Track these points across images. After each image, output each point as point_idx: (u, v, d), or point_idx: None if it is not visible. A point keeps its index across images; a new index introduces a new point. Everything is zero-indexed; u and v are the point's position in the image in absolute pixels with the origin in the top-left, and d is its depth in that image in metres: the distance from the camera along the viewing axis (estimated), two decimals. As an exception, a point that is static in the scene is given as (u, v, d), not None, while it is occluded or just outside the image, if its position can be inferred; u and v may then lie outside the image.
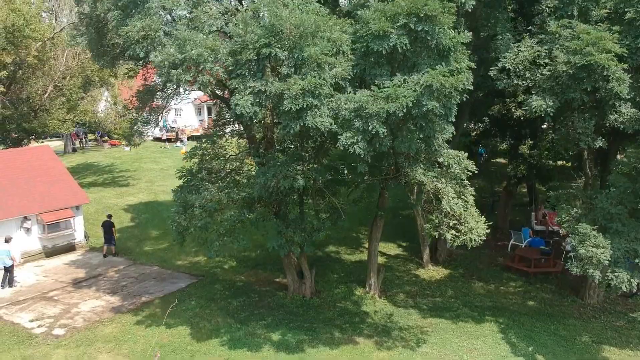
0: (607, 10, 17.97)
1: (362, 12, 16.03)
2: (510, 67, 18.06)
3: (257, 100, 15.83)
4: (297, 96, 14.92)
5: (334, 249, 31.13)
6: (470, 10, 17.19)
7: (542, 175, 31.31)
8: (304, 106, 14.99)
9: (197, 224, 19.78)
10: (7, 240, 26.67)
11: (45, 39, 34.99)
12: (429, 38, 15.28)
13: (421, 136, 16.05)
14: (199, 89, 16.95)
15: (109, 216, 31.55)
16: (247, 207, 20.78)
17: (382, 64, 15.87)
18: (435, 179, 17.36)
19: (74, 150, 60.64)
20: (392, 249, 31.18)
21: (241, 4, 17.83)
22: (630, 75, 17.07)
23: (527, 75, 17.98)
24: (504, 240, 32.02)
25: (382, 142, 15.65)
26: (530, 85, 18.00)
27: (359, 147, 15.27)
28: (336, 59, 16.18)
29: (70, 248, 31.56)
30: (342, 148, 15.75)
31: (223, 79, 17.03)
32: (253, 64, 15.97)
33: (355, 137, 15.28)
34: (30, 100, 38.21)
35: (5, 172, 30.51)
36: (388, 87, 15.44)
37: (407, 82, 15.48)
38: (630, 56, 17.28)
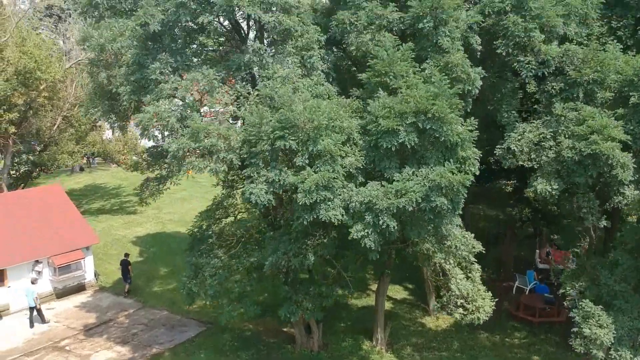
0: (612, 94, 18.29)
1: (372, 106, 16.40)
2: (515, 149, 18.41)
3: (271, 189, 16.23)
4: (310, 190, 15.31)
5: (340, 292, 31.54)
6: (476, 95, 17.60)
7: (547, 219, 31.60)
8: (317, 200, 15.39)
9: (208, 292, 20.25)
10: (33, 282, 27.57)
11: (56, 80, 35.40)
12: (437, 135, 15.65)
13: (430, 226, 16.44)
14: (211, 174, 17.37)
15: (126, 255, 32.16)
16: (257, 271, 21.24)
17: (391, 156, 16.26)
18: (443, 260, 17.78)
19: (82, 169, 61.13)
20: (398, 292, 31.59)
21: (253, 88, 18.19)
22: (634, 160, 17.40)
23: (532, 157, 18.33)
24: (508, 279, 32.40)
25: (392, 232, 16.05)
26: (535, 166, 18.35)
27: (370, 240, 15.68)
28: (348, 147, 16.59)
29: (80, 288, 32.10)
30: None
31: (236, 166, 17.43)
32: (267, 153, 16.36)
33: (366, 230, 15.69)
34: (40, 134, 38.69)
35: (17, 214, 31.01)
36: (397, 180, 15.83)
37: (416, 175, 15.87)
38: (635, 141, 17.61)
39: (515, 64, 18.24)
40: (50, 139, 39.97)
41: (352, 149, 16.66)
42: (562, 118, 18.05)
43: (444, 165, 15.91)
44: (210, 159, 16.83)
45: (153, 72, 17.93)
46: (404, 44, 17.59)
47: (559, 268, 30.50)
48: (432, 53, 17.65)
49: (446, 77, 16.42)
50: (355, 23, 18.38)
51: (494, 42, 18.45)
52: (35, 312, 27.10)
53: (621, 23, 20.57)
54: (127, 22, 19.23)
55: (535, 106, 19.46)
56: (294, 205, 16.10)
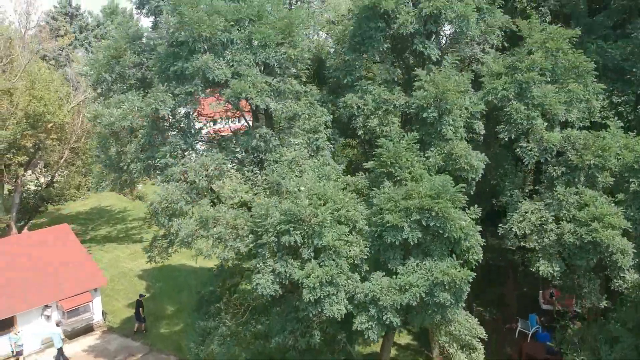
0: (613, 178, 18.61)
1: (377, 198, 16.78)
2: (518, 231, 18.76)
3: (277, 279, 16.64)
4: (315, 287, 15.72)
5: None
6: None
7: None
8: (322, 296, 15.80)
9: (215, 360, 20.71)
10: (57, 324, 28.13)
11: (64, 122, 35.84)
12: (440, 232, 16.03)
13: (433, 316, 16.84)
14: (220, 260, 17.78)
15: (141, 296, 32.62)
16: (264, 339, 21.66)
17: (395, 248, 16.63)
18: (446, 344, 18.18)
19: (88, 189, 61.58)
20: (402, 336, 31.95)
21: (261, 170, 18.57)
22: (634, 245, 17.75)
23: (534, 238, 18.68)
24: (511, 320, 32.68)
25: (396, 323, 16.44)
26: (537, 247, 18.71)
27: (373, 333, 16.09)
28: (353, 235, 16.98)
29: (88, 329, 32.57)
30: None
31: (244, 253, 17.83)
32: (273, 244, 16.76)
33: (370, 323, 16.09)
34: (48, 169, 39.17)
35: (25, 258, 31.50)
36: (401, 273, 16.22)
37: (420, 268, 16.26)
38: (635, 227, 17.95)
39: (517, 149, 18.57)
40: (59, 172, 40.42)
41: (357, 238, 17.03)
42: (564, 202, 18.38)
43: (448, 257, 16.27)
44: (218, 246, 17.23)
45: (163, 155, 18.33)
46: (408, 133, 17.93)
47: (562, 310, 30.80)
48: (436, 140, 17.99)
49: (449, 171, 16.78)
50: (363, 107, 18.72)
51: (497, 127, 18.76)
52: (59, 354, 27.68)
53: (622, 99, 20.85)
54: (134, 100, 19.66)
55: (537, 187, 19.79)
56: (300, 297, 16.50)
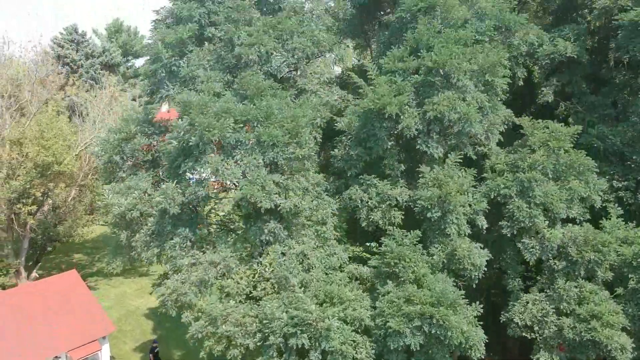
0: (612, 273, 19.04)
1: (380, 301, 17.26)
2: (519, 322, 19.20)
3: (286, 381, 17.14)
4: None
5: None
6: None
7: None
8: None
9: None
10: None
11: (73, 171, 36.31)
12: (442, 338, 16.50)
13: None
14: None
15: (155, 342, 33.14)
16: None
17: (398, 352, 17.10)
18: None
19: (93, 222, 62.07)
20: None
21: (268, 255, 19.00)
22: (633, 340, 18.19)
23: (535, 329, 19.13)
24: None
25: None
26: (538, 338, 19.16)
27: None
28: (360, 335, 17.49)
29: (97, 377, 33.09)
30: None
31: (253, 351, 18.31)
32: (281, 345, 17.25)
33: None
34: (56, 211, 39.65)
35: (35, 308, 32.01)
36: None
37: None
38: (634, 323, 18.38)
39: (519, 245, 19.00)
40: (66, 211, 40.85)
41: (363, 338, 17.51)
42: (564, 295, 18.80)
43: None
44: (227, 344, 17.74)
45: (172, 248, 18.83)
46: (412, 231, 18.37)
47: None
48: (439, 237, 18.43)
49: (452, 270, 17.25)
50: (367, 201, 19.16)
51: (500, 222, 19.18)
52: None
53: (622, 184, 21.21)
54: (143, 186, 20.17)
55: (538, 277, 20.20)
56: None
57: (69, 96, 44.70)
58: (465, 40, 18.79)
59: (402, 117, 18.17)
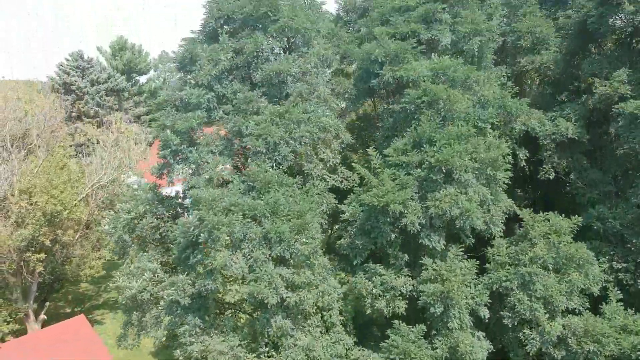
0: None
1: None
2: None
3: None
4: None
5: None
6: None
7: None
8: None
9: None
10: None
11: (82, 219, 36.81)
12: None
13: None
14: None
15: None
16: None
17: None
18: None
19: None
20: None
21: (277, 353, 19.52)
22: None
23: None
24: None
25: None
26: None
27: None
28: None
29: None
30: None
31: None
32: None
33: None
34: (64, 251, 40.16)
35: (44, 358, 32.66)
36: None
37: None
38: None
39: (520, 335, 19.46)
40: (73, 251, 41.33)
41: None
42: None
43: None
44: None
45: (182, 335, 19.33)
46: (417, 325, 18.86)
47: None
48: (442, 330, 18.90)
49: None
50: (372, 291, 19.64)
51: (501, 312, 19.65)
52: None
53: (622, 265, 21.64)
54: (153, 267, 20.71)
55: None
56: None
57: (75, 139, 45.17)
58: (467, 135, 19.21)
59: (405, 212, 18.63)
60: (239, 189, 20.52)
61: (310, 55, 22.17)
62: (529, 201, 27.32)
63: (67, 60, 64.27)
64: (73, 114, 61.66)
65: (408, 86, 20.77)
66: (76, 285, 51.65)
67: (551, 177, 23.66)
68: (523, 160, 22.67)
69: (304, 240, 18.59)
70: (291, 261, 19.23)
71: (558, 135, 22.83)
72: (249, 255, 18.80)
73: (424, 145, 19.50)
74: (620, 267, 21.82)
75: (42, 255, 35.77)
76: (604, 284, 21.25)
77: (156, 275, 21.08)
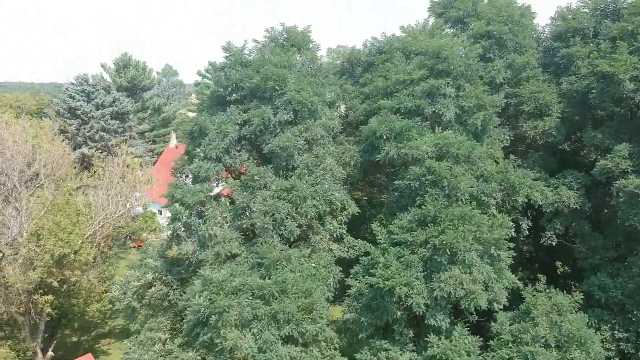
0: None
1: None
2: None
3: None
4: None
5: None
6: None
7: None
8: None
9: None
10: None
11: (89, 261, 37.24)
12: None
13: None
14: None
15: None
16: None
17: None
18: None
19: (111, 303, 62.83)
20: None
21: None
22: None
23: None
24: None
25: None
26: None
27: None
28: None
29: None
30: None
31: None
32: None
33: None
34: (70, 287, 40.58)
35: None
36: None
37: None
38: None
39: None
40: (80, 287, 41.71)
41: None
42: None
43: None
44: None
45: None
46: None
47: None
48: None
49: None
50: (377, 368, 20.07)
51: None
52: None
53: (623, 335, 22.01)
54: (162, 338, 21.16)
55: None
56: None
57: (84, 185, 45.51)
58: (471, 216, 19.60)
59: (411, 294, 19.03)
60: (247, 261, 20.99)
61: (317, 127, 22.58)
62: (531, 267, 27.80)
63: (72, 84, 64.68)
64: (79, 139, 62.16)
65: (412, 162, 21.17)
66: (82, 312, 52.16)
67: (554, 244, 24.06)
68: (526, 230, 23.05)
69: (311, 318, 19.05)
70: (300, 339, 19.66)
71: (560, 204, 23.21)
72: (258, 334, 19.24)
73: (429, 225, 19.90)
74: (621, 336, 22.20)
75: (51, 297, 36.24)
76: (606, 354, 21.64)
77: (166, 345, 21.55)
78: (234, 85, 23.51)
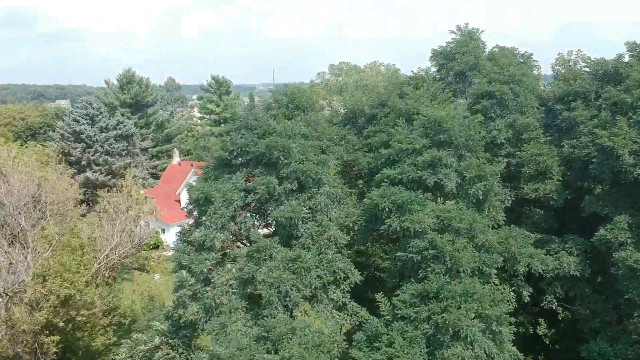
0: None
1: None
2: None
3: None
4: None
5: None
6: None
7: None
8: None
9: None
10: None
11: (95, 299, 37.64)
12: None
13: None
14: None
15: None
16: None
17: None
18: None
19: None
20: None
21: None
22: None
23: None
24: None
25: None
26: None
27: None
28: None
29: None
30: None
31: None
32: None
33: None
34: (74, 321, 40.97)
35: None
36: None
37: None
38: None
39: None
40: (84, 320, 42.08)
41: None
42: None
43: None
44: None
45: None
46: None
47: None
48: None
49: None
50: None
51: None
52: None
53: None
54: None
55: None
56: None
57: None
58: (473, 292, 19.96)
59: (414, 371, 19.42)
60: (252, 327, 21.39)
61: (321, 195, 22.96)
62: (532, 311, 28.14)
63: (77, 107, 65.13)
64: (83, 162, 62.54)
65: (414, 235, 21.53)
66: (86, 337, 52.50)
67: (554, 307, 24.40)
68: (527, 297, 23.42)
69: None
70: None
71: (560, 270, 23.57)
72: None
73: (432, 300, 20.26)
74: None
75: (56, 338, 36.68)
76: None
77: None
78: (239, 149, 23.89)
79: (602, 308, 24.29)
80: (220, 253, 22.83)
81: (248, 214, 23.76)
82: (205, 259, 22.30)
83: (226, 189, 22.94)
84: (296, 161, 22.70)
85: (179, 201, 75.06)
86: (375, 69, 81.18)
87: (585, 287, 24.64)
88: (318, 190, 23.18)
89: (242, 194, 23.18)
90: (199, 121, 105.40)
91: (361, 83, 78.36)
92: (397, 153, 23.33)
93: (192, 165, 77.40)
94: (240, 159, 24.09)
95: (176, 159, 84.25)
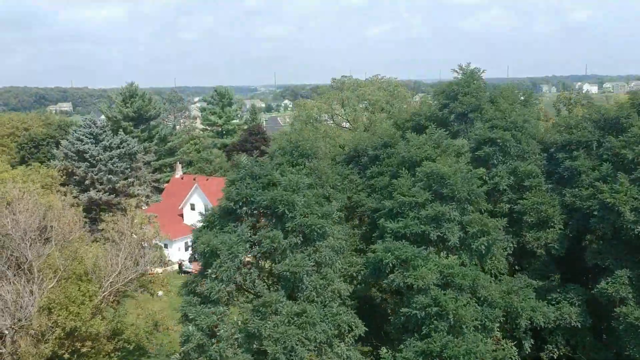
0: None
1: None
2: None
3: None
4: None
5: None
6: None
7: None
8: None
9: None
10: None
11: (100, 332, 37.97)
12: None
13: None
14: None
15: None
16: None
17: None
18: None
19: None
20: None
21: None
22: None
23: None
24: None
25: None
26: None
27: None
28: None
29: None
30: None
31: None
32: None
33: None
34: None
35: None
36: None
37: None
38: None
39: None
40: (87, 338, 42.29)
41: None
42: None
43: None
44: None
45: None
46: None
47: None
48: None
49: None
50: None
51: None
52: None
53: None
54: None
55: None
56: None
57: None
58: (476, 352, 20.27)
59: None
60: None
61: (325, 248, 23.26)
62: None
63: (80, 126, 65.48)
64: (86, 182, 62.86)
65: (417, 291, 21.83)
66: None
67: (555, 357, 24.68)
68: (528, 349, 23.71)
69: None
70: None
71: (562, 321, 23.84)
72: None
73: (436, 359, 20.59)
74: None
75: (62, 366, 36.95)
76: None
77: None
78: (244, 199, 24.20)
79: (604, 357, 24.55)
80: (226, 307, 23.11)
81: (253, 269, 24.06)
82: (213, 313, 22.60)
83: (232, 241, 23.22)
84: (301, 214, 23.00)
85: (181, 215, 75.44)
86: (376, 84, 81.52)
87: (587, 335, 24.89)
88: (322, 241, 23.45)
89: (248, 246, 23.49)
90: (201, 132, 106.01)
91: (363, 98, 78.94)
92: (400, 206, 23.62)
93: (194, 180, 77.80)
94: (245, 208, 24.39)
95: (179, 172, 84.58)
